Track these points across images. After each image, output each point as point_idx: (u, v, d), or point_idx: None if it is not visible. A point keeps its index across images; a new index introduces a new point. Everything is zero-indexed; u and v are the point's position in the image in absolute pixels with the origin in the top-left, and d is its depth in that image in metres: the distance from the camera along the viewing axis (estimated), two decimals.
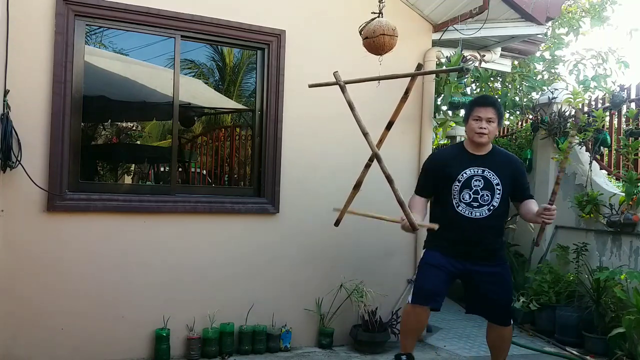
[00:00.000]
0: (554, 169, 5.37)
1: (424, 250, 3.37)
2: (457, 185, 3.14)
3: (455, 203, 3.15)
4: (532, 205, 3.18)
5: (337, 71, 3.50)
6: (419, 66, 3.29)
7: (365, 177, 3.46)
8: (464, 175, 3.16)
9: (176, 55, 3.81)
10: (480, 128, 3.11)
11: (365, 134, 3.27)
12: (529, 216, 3.18)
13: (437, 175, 3.26)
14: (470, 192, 3.13)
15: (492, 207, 3.13)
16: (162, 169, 5.00)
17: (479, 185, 3.13)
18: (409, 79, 3.31)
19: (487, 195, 3.12)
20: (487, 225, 3.13)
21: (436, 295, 3.15)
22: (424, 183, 3.38)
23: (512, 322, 3.26)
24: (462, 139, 7.20)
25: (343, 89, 3.35)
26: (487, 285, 3.17)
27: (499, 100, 5.97)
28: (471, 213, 3.12)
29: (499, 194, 3.13)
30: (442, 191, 3.22)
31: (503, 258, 3.28)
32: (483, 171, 3.15)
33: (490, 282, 3.16)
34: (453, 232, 3.14)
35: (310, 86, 3.55)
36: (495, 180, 3.14)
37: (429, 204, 3.43)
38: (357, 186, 3.53)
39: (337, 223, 3.65)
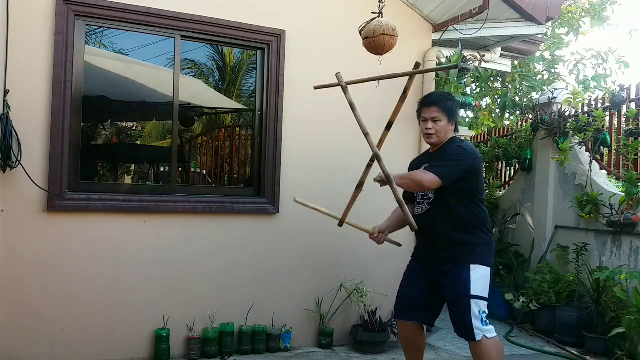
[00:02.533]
0: (554, 169, 5.37)
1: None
2: None
3: (417, 202, 3.08)
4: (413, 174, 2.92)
5: (339, 72, 3.51)
6: (417, 65, 3.27)
7: (367, 177, 3.46)
8: None
9: (176, 55, 3.81)
10: (427, 129, 3.00)
11: (365, 134, 3.27)
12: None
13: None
14: (421, 192, 3.03)
15: (429, 201, 2.98)
16: (162, 169, 5.00)
17: None
18: (408, 78, 3.31)
19: (428, 191, 2.96)
20: (432, 220, 2.93)
21: (413, 309, 2.99)
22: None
23: (478, 338, 2.74)
24: (462, 138, 7.22)
25: (345, 90, 3.36)
26: (442, 290, 2.91)
27: (499, 100, 5.99)
28: (419, 210, 3.04)
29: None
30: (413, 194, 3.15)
31: (457, 260, 2.85)
32: (426, 167, 2.96)
33: (443, 285, 2.89)
34: (417, 234, 3.03)
35: (316, 88, 3.55)
36: None
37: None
38: (360, 186, 3.53)
39: (341, 223, 3.65)
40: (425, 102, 3.08)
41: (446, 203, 2.90)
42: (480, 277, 2.81)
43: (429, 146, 3.27)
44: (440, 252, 2.92)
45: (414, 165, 3.20)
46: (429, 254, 3.02)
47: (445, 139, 3.02)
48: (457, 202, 2.89)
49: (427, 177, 2.79)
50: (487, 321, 2.79)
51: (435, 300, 3.01)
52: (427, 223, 2.95)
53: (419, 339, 3.10)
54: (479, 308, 2.77)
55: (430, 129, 2.98)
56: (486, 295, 2.82)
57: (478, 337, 2.74)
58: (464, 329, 2.80)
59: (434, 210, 2.94)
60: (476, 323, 2.74)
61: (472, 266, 2.82)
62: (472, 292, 2.77)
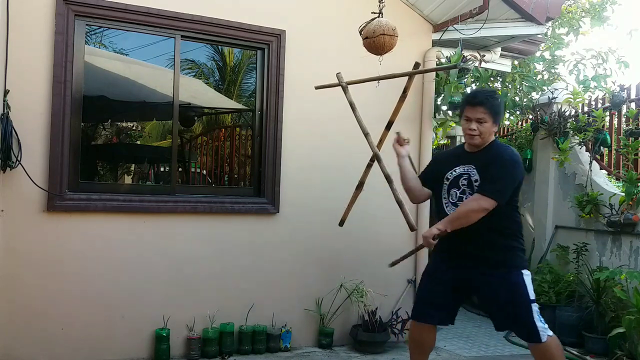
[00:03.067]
0: (554, 169, 5.37)
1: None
2: (446, 184, 2.97)
3: (445, 203, 2.97)
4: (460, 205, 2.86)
5: (339, 72, 3.51)
6: (417, 65, 3.28)
7: (367, 177, 3.47)
8: (453, 173, 2.95)
9: (176, 55, 3.81)
10: (470, 130, 2.88)
11: (366, 134, 3.28)
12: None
13: (435, 169, 3.10)
14: (458, 192, 2.92)
15: None
16: (162, 169, 4.99)
17: (465, 184, 2.91)
18: (407, 78, 3.32)
19: (470, 194, 2.86)
20: (471, 224, 2.80)
21: (435, 309, 2.94)
22: (426, 168, 3.28)
23: (544, 339, 2.76)
24: (462, 139, 7.22)
25: (345, 90, 3.36)
26: (488, 293, 2.87)
27: None
28: (450, 209, 2.92)
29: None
30: (435, 190, 3.05)
31: (507, 264, 2.84)
32: (468, 169, 2.90)
33: (491, 290, 2.85)
34: (446, 235, 2.90)
35: (317, 88, 3.56)
36: (475, 176, 2.86)
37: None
38: (360, 186, 3.54)
39: (341, 223, 3.66)
40: (471, 101, 2.92)
41: (493, 211, 2.79)
42: (530, 282, 2.85)
43: (429, 146, 3.29)
44: (480, 256, 2.85)
45: (445, 161, 3.04)
46: (463, 257, 2.88)
47: (488, 140, 2.95)
48: (498, 208, 2.79)
49: (487, 204, 2.72)
50: (543, 320, 2.84)
51: (456, 302, 3.01)
52: (466, 227, 2.79)
53: (431, 340, 3.06)
54: (537, 310, 2.81)
55: (475, 130, 2.87)
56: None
57: (544, 338, 2.77)
58: (528, 332, 2.80)
59: None
60: (540, 325, 2.78)
61: (524, 272, 2.84)
62: (531, 297, 2.80)
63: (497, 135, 6.53)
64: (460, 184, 2.92)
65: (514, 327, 2.93)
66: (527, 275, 2.84)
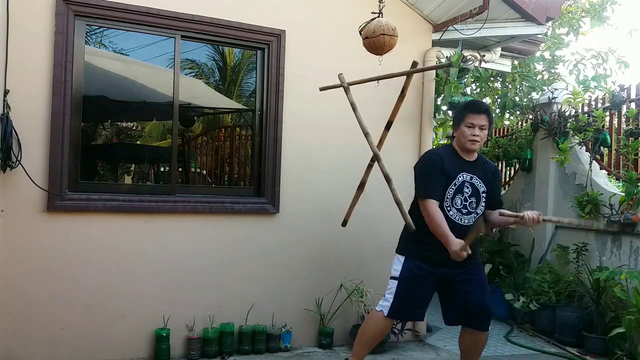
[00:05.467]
0: (554, 169, 5.37)
1: (401, 257, 3.13)
2: (452, 189, 3.03)
3: (447, 207, 3.02)
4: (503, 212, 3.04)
5: (341, 73, 3.52)
6: (414, 64, 3.28)
7: (368, 177, 3.47)
8: (460, 179, 3.05)
9: (176, 55, 3.81)
10: (474, 135, 3.04)
11: (366, 134, 3.28)
12: (497, 220, 3.09)
13: (443, 177, 3.03)
14: (462, 198, 3.05)
15: (476, 215, 3.08)
16: (162, 169, 5.00)
17: (468, 192, 3.05)
18: (405, 78, 3.32)
19: (474, 203, 3.07)
20: (470, 230, 2.95)
21: (417, 309, 3.18)
22: (436, 180, 3.01)
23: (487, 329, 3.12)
24: None
25: (347, 91, 3.37)
26: (466, 290, 3.06)
27: (499, 100, 5.99)
28: (461, 219, 3.04)
29: (483, 201, 3.10)
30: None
31: (477, 259, 3.18)
32: (471, 178, 3.08)
33: (468, 286, 3.07)
34: (434, 237, 2.98)
35: (322, 89, 3.58)
36: (482, 187, 3.10)
37: (407, 207, 3.17)
38: (361, 186, 3.54)
39: (344, 223, 3.66)
40: (476, 109, 3.10)
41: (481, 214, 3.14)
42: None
43: (429, 146, 3.30)
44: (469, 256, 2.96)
45: (449, 168, 3.05)
46: (448, 257, 2.93)
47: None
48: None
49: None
50: None
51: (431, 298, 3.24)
52: (467, 233, 2.91)
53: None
54: None
55: (478, 136, 3.05)
56: None
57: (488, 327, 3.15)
58: (488, 320, 3.12)
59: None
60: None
61: (480, 264, 3.24)
62: None
63: (497, 135, 6.54)
64: (464, 191, 3.07)
65: (479, 316, 3.10)
66: None
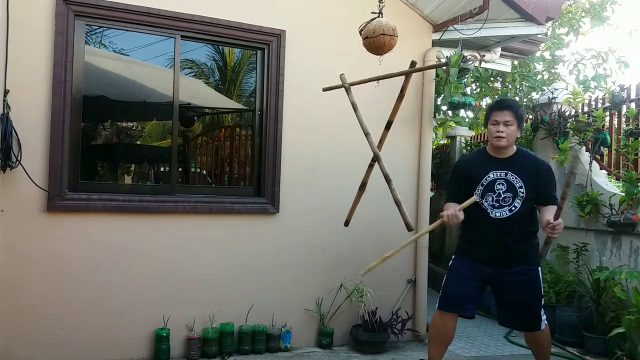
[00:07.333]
0: (554, 169, 5.35)
1: (454, 256, 3.33)
2: (480, 189, 3.15)
3: (481, 203, 3.14)
4: (548, 213, 3.04)
5: (343, 74, 3.52)
6: (413, 64, 3.28)
7: (369, 177, 3.47)
8: (488, 178, 3.15)
9: (176, 55, 3.81)
10: (498, 132, 3.12)
11: (366, 134, 3.28)
12: (541, 223, 3.13)
13: (465, 181, 3.24)
14: (494, 196, 3.12)
15: (513, 209, 3.09)
16: (162, 169, 4.99)
17: (502, 189, 3.12)
18: (404, 78, 3.32)
19: (509, 198, 3.10)
20: (508, 226, 3.09)
21: (463, 301, 3.17)
22: (455, 191, 3.30)
23: (542, 327, 3.14)
24: (462, 139, 7.22)
25: (348, 91, 3.37)
26: (509, 293, 3.14)
27: None
28: (493, 213, 3.11)
29: (521, 196, 3.10)
30: (468, 194, 3.17)
31: (530, 262, 3.14)
32: (506, 174, 3.13)
33: (512, 289, 3.12)
34: (477, 233, 3.17)
35: (324, 90, 3.58)
36: (518, 183, 3.11)
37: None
38: (363, 187, 3.54)
39: (346, 223, 3.66)
40: (499, 106, 3.20)
41: (527, 210, 3.12)
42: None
43: (429, 146, 3.30)
44: (511, 255, 3.10)
45: (475, 170, 3.22)
46: (495, 256, 3.13)
47: (513, 145, 3.20)
48: (533, 210, 3.17)
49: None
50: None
51: (481, 297, 3.29)
52: (504, 229, 3.09)
53: (453, 331, 3.25)
54: None
55: (502, 132, 3.12)
56: None
57: (543, 326, 3.13)
58: (534, 322, 3.12)
59: (519, 218, 3.09)
60: (543, 316, 3.14)
61: (539, 268, 3.17)
62: (542, 291, 3.16)
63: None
64: (495, 188, 3.13)
65: (525, 319, 3.15)
66: (540, 270, 3.19)
